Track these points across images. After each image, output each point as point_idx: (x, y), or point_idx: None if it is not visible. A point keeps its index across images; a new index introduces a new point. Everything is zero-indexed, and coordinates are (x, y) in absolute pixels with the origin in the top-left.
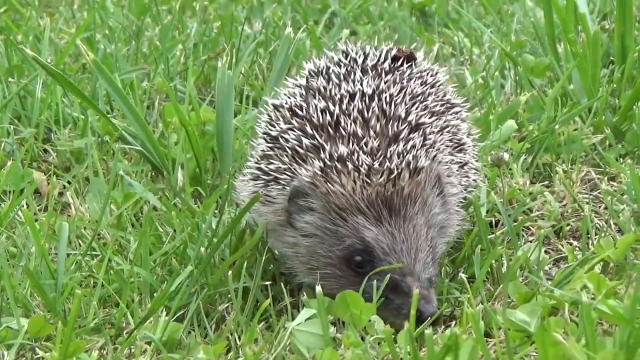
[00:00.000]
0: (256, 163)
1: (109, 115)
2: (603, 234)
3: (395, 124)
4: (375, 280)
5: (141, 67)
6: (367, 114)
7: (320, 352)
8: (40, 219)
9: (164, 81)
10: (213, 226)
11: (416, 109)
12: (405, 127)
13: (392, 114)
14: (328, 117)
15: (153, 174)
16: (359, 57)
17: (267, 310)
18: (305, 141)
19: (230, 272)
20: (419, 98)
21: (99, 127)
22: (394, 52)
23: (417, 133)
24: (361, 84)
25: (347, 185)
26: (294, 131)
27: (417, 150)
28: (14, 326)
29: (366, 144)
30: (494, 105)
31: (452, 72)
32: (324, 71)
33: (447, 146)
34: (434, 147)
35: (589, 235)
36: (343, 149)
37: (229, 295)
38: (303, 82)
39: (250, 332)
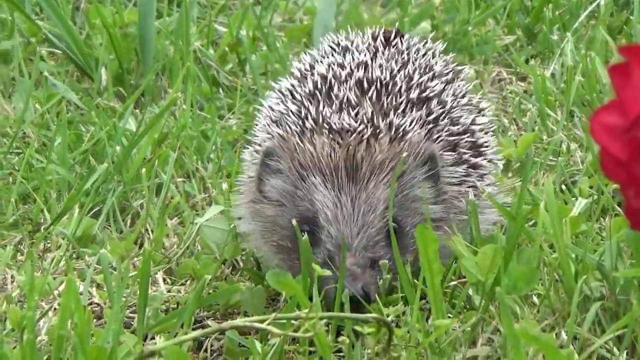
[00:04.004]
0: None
1: (36, 18)
2: (509, 133)
3: (394, 98)
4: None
5: None
6: (364, 84)
7: (224, 247)
8: None
9: None
10: (132, 125)
11: (420, 77)
12: (405, 101)
13: (391, 87)
14: (323, 86)
15: (78, 74)
16: (353, 41)
17: (179, 206)
18: (292, 107)
19: (144, 169)
20: (423, 68)
21: (25, 29)
22: (380, 34)
23: (419, 110)
24: (362, 60)
25: (317, 143)
26: (285, 101)
27: (414, 123)
28: None
29: (358, 111)
30: (409, 7)
31: None
32: (324, 56)
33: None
34: (436, 130)
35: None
36: (326, 111)
37: (143, 192)
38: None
39: (161, 227)
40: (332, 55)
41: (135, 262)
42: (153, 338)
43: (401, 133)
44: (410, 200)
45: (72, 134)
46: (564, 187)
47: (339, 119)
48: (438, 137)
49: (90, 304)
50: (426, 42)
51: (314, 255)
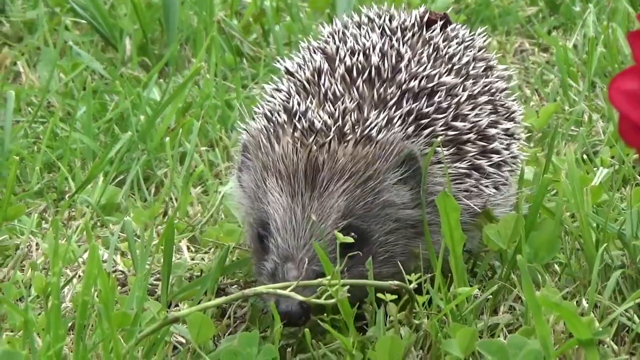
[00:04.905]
0: None
1: None
2: (531, 104)
3: (388, 87)
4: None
5: None
6: (354, 72)
7: None
8: None
9: None
10: (156, 94)
11: (433, 70)
12: (399, 92)
13: (389, 75)
14: (313, 75)
15: (103, 44)
16: (383, 19)
17: (203, 175)
18: (280, 96)
19: (168, 138)
20: (445, 58)
21: None
22: (426, 16)
23: (417, 102)
24: (371, 43)
25: (281, 142)
26: (278, 87)
27: (396, 121)
28: None
29: (338, 106)
30: None
31: None
32: (340, 33)
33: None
34: (433, 124)
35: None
36: (304, 105)
37: (167, 161)
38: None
39: (185, 195)
40: (352, 30)
41: (159, 231)
42: (177, 305)
43: (374, 133)
44: (379, 206)
45: (96, 103)
46: (585, 157)
47: (312, 115)
48: (430, 132)
49: (115, 271)
50: (474, 34)
51: (263, 264)
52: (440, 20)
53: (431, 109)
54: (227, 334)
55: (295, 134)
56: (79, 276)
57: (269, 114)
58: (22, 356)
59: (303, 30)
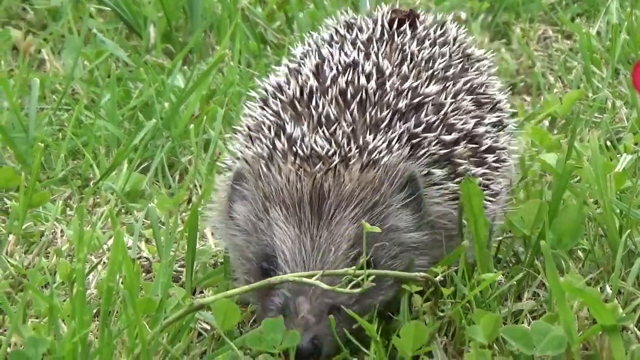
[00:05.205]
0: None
1: None
2: (554, 90)
3: (379, 109)
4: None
5: None
6: (348, 95)
7: None
8: (15, 75)
9: None
10: (180, 82)
11: (415, 81)
12: (390, 114)
13: (379, 97)
14: (303, 95)
15: (127, 32)
16: (350, 30)
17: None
18: (267, 121)
19: (192, 125)
20: (422, 65)
21: None
22: (389, 15)
23: (407, 121)
24: (353, 62)
25: (283, 170)
26: (264, 106)
27: (394, 143)
28: None
29: (335, 130)
30: None
31: None
32: (315, 52)
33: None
34: (426, 143)
35: (539, 92)
36: (300, 130)
37: (192, 148)
38: (293, 65)
39: (209, 182)
40: (329, 44)
41: (183, 218)
42: (201, 292)
43: (376, 156)
44: (385, 232)
45: (120, 91)
46: (608, 143)
47: (310, 141)
48: (425, 153)
49: (139, 258)
50: (444, 24)
51: (272, 299)
52: (407, 19)
53: (420, 129)
54: (251, 321)
55: (297, 161)
56: (104, 263)
57: (264, 138)
58: (47, 342)
59: (327, 17)
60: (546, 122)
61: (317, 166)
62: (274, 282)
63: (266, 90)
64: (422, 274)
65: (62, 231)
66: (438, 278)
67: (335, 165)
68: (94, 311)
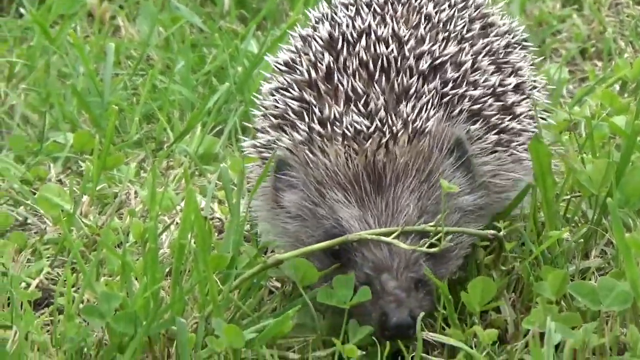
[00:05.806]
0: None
1: None
2: (625, 55)
3: (404, 75)
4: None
5: None
6: (371, 66)
7: None
8: (91, 41)
9: None
10: (254, 47)
11: (433, 44)
12: (415, 77)
13: (400, 62)
14: (321, 72)
15: None
16: None
17: None
18: (293, 104)
19: None
20: (439, 27)
21: None
22: None
23: (432, 81)
24: (369, 27)
25: (330, 153)
26: (281, 92)
27: (429, 108)
28: (61, 140)
29: (367, 104)
30: None
31: None
32: (329, 17)
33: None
34: (456, 100)
35: (610, 57)
36: (334, 110)
37: None
38: (306, 32)
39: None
40: (345, 7)
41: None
42: (272, 251)
43: (418, 125)
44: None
45: (195, 56)
46: None
47: (348, 119)
48: (460, 111)
49: (212, 219)
50: None
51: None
52: None
53: (447, 88)
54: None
55: (345, 141)
56: (176, 223)
57: (299, 124)
58: (120, 297)
59: None
60: (617, 87)
61: (366, 144)
62: (351, 239)
63: (279, 71)
64: (492, 231)
65: (135, 192)
66: (502, 233)
67: (384, 140)
68: (166, 270)
